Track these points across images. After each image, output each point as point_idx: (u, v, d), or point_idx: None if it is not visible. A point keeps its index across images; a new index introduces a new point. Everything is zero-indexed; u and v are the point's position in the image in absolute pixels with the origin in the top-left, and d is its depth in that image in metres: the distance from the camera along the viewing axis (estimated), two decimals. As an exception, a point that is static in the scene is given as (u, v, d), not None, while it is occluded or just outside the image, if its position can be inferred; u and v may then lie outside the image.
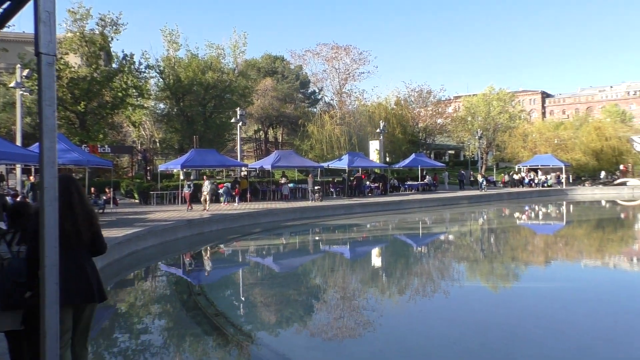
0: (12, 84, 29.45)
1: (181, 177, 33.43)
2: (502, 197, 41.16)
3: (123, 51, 38.52)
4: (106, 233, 15.60)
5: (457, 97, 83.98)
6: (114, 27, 37.05)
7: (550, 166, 49.97)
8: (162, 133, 52.82)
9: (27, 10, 3.70)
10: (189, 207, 24.32)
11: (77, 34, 36.04)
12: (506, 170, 56.85)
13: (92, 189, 24.96)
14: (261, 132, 65.94)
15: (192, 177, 40.10)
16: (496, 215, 31.97)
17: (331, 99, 68.03)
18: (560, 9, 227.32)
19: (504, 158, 65.62)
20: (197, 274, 14.09)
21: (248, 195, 30.66)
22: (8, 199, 17.70)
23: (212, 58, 44.06)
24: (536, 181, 48.83)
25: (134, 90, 38.32)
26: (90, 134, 36.10)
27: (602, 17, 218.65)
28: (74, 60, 38.00)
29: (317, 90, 69.71)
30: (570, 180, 51.82)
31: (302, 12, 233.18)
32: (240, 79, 45.39)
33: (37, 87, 3.56)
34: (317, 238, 22.17)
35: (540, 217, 30.88)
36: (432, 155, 72.18)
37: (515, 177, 49.56)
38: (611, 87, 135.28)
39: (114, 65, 39.25)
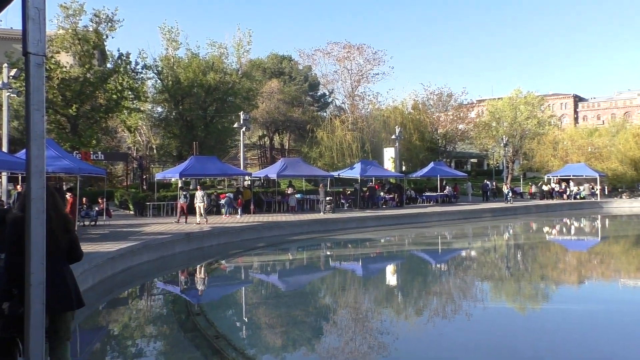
0: (-2, 85, 29.73)
1: (180, 186, 33.56)
2: (529, 210, 40.90)
3: (119, 50, 38.84)
4: (98, 247, 15.69)
5: (480, 101, 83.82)
6: (109, 24, 37.47)
7: (584, 176, 49.58)
8: (159, 139, 53.12)
9: (16, 5, 3.73)
10: (179, 219, 24.35)
11: (70, 31, 36.46)
12: (534, 181, 56.51)
13: (84, 199, 25.13)
14: (266, 138, 66.13)
15: (191, 187, 40.29)
16: (523, 229, 31.72)
17: (342, 103, 68.15)
18: (595, 5, 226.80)
19: (531, 167, 65.19)
20: (196, 292, 14.10)
21: (252, 207, 30.71)
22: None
23: (214, 58, 44.38)
24: (567, 193, 48.47)
25: (129, 93, 38.62)
26: (82, 139, 36.40)
27: None
28: (65, 59, 38.46)
29: (327, 93, 69.92)
30: (606, 192, 51.38)
31: (311, 8, 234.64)
32: (244, 81, 45.63)
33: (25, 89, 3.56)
34: (326, 254, 22.10)
35: (572, 232, 30.60)
36: (452, 164, 71.94)
37: (545, 188, 49.23)
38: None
39: (108, 65, 39.61)
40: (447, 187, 43.24)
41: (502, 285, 14.77)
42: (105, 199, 26.10)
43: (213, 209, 30.14)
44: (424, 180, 47.55)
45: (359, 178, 36.41)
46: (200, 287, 14.82)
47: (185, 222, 24.22)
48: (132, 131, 46.17)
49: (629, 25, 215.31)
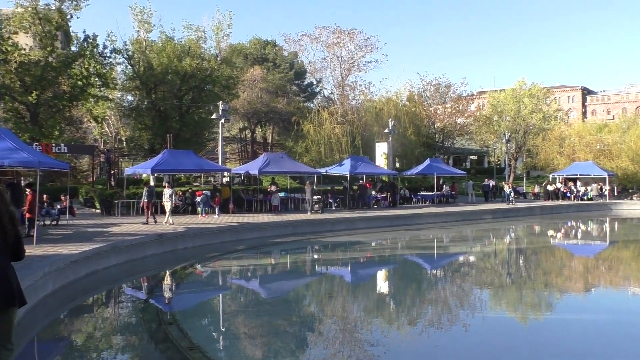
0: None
1: (151, 182, 33.37)
2: (533, 211, 41.25)
3: (84, 32, 38.37)
4: (60, 249, 15.56)
5: (481, 93, 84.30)
6: (74, 3, 37.08)
7: (591, 176, 50.06)
8: (129, 130, 52.74)
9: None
10: (148, 220, 24.11)
11: (29, 9, 36.01)
12: (538, 180, 56.98)
13: (45, 196, 24.87)
14: (247, 130, 66.01)
15: (164, 183, 40.06)
16: (526, 233, 31.97)
17: (331, 93, 68.14)
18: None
19: (535, 166, 65.74)
20: (168, 299, 14.04)
21: (231, 206, 30.64)
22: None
23: (191, 42, 44.13)
24: (574, 193, 48.93)
25: (96, 79, 38.29)
26: (44, 130, 36.03)
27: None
28: (24, 41, 37.96)
29: (314, 82, 69.98)
30: (615, 193, 51.93)
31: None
32: (224, 68, 45.43)
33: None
34: (312, 258, 22.09)
35: (579, 236, 30.92)
36: (450, 161, 72.28)
37: (549, 188, 49.65)
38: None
39: (73, 49, 39.22)
40: (445, 186, 43.46)
41: (502, 293, 14.88)
42: (68, 196, 25.87)
43: (188, 207, 30.03)
44: (419, 179, 47.72)
45: (348, 175, 36.47)
46: (173, 293, 14.76)
47: (155, 221, 24.00)
48: (99, 122, 45.80)
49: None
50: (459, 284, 15.94)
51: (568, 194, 48.96)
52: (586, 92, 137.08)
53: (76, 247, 16.00)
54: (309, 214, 30.74)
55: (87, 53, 37.49)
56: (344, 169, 37.03)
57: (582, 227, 35.33)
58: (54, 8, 36.86)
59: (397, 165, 58.43)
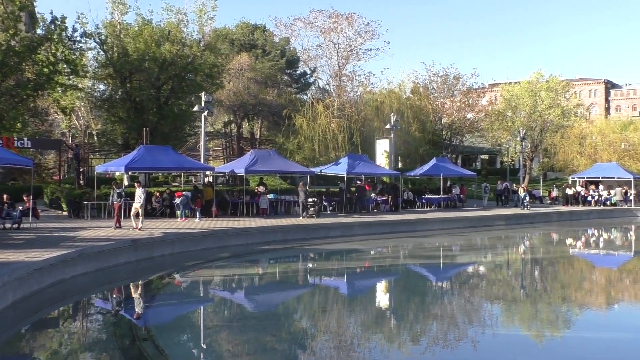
0: None
1: (125, 182, 33.28)
2: (550, 217, 41.39)
3: (52, 13, 38.14)
4: (22, 255, 15.49)
5: (493, 85, 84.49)
6: (41, -19, 36.98)
7: (615, 178, 50.21)
8: (101, 123, 52.51)
9: None
10: (118, 223, 23.88)
11: (-10, -13, 35.89)
12: (556, 183, 57.13)
13: (5, 196, 24.77)
14: (233, 125, 65.92)
15: (141, 182, 39.91)
16: (542, 241, 32.04)
17: (327, 84, 68.19)
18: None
19: (553, 167, 65.89)
20: (143, 312, 14.00)
21: (213, 209, 30.57)
22: None
23: (171, 25, 44.04)
24: (596, 198, 49.04)
25: (65, 66, 38.10)
26: (5, 122, 35.85)
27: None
28: (-16, 23, 37.82)
29: (308, 72, 69.97)
30: (642, 198, 52.09)
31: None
32: (207, 55, 45.35)
33: None
34: (304, 267, 22.07)
35: (601, 245, 30.99)
36: (458, 161, 72.39)
37: (568, 191, 49.79)
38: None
39: (38, 32, 39.03)
40: (455, 188, 43.43)
41: (515, 308, 14.91)
42: (32, 197, 25.77)
43: (166, 210, 29.97)
44: (424, 180, 47.74)
45: (345, 176, 36.44)
46: (148, 306, 14.71)
47: (119, 226, 23.67)
48: (67, 113, 45.57)
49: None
50: (467, 298, 15.96)
51: (589, 199, 49.06)
52: (610, 85, 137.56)
53: (40, 254, 15.93)
54: (301, 218, 30.72)
55: (55, 37, 37.30)
56: (340, 169, 37.00)
57: (604, 235, 35.44)
58: (17, -14, 36.68)
59: (400, 164, 58.45)
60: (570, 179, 53.45)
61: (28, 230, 22.82)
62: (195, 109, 37.17)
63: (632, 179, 49.52)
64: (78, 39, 39.02)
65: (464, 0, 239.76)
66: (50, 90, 38.93)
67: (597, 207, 47.26)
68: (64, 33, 37.84)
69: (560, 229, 37.10)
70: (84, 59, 40.88)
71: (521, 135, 54.80)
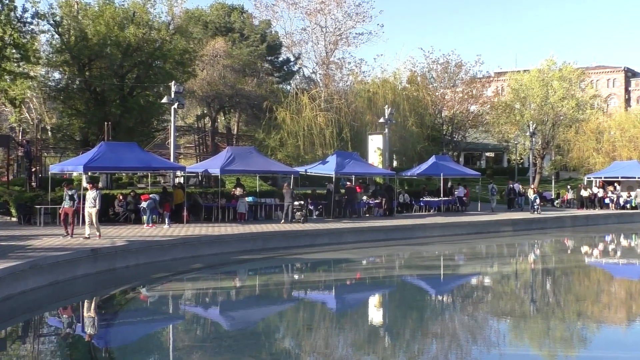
0: None
1: (84, 183, 33.00)
2: (563, 222, 41.56)
3: (-1, -10, 37.98)
4: (-35, 267, 15.32)
5: (499, 74, 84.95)
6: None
7: (636, 178, 50.40)
8: (56, 117, 52.14)
9: None
10: (68, 231, 23.54)
11: None
12: (570, 183, 57.43)
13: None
14: (207, 118, 65.68)
15: (101, 184, 39.67)
16: (554, 249, 32.19)
17: (313, 72, 68.06)
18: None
19: (567, 165, 66.26)
20: (104, 331, 13.90)
21: (185, 214, 30.46)
22: None
23: (136, 6, 43.78)
24: (614, 200, 49.24)
25: (13, 51, 37.84)
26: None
27: None
28: None
29: (292, 59, 69.86)
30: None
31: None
32: (178, 39, 45.16)
33: None
34: (287, 279, 22.02)
35: (619, 253, 31.16)
36: (461, 159, 72.64)
37: (584, 193, 50.02)
38: None
39: (-17, 12, 38.75)
40: (459, 189, 43.43)
41: (524, 325, 14.94)
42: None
43: (130, 215, 29.81)
44: (422, 181, 47.81)
45: (333, 176, 36.42)
46: (110, 324, 14.61)
47: (69, 234, 23.29)
48: (16, 105, 45.16)
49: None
50: (470, 314, 15.99)
51: (606, 201, 49.25)
52: (630, 74, 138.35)
53: (-14, 265, 15.80)
54: (283, 223, 30.67)
55: (2, 18, 37.04)
56: (328, 168, 36.98)
57: (624, 242, 35.63)
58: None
59: (395, 163, 58.52)
60: (585, 179, 53.61)
61: (-28, 238, 22.62)
62: (164, 100, 36.96)
63: (655, 179, 49.68)
64: (29, 20, 38.70)
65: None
66: (-4, 79, 38.61)
67: (615, 211, 47.46)
68: (12, 13, 37.50)
69: (574, 236, 37.30)
70: (36, 44, 40.54)
71: (531, 130, 54.98)
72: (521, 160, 67.27)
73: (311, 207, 35.69)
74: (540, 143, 60.96)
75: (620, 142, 60.67)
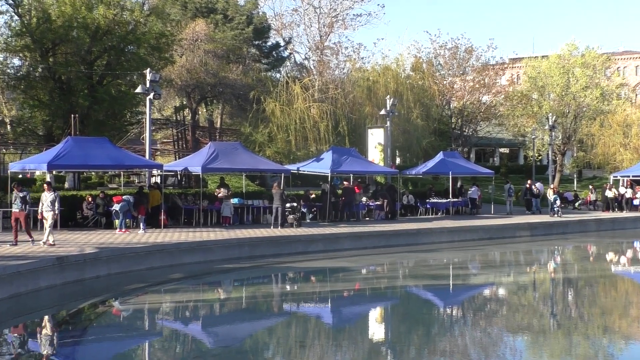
0: None
1: (49, 181, 32.93)
2: (586, 226, 41.61)
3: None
4: None
5: (515, 60, 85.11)
6: None
7: (668, 177, 50.55)
8: (16, 108, 51.98)
9: None
10: (15, 241, 23.28)
11: None
12: (594, 183, 57.54)
13: None
14: (187, 110, 65.60)
15: (67, 185, 39.59)
16: (576, 257, 32.23)
17: (306, 58, 68.10)
18: None
19: (590, 163, 66.39)
20: (70, 350, 13.86)
21: (162, 217, 30.42)
22: None
23: (106, -17, 43.79)
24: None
25: (-32, 35, 37.83)
26: None
27: None
28: None
29: (282, 43, 69.82)
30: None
31: None
32: (153, 21, 45.07)
33: None
34: (277, 291, 22.02)
35: (649, 261, 31.31)
36: (471, 155, 72.78)
37: (609, 193, 50.05)
38: None
39: None
40: (472, 188, 43.36)
41: (543, 341, 14.96)
42: None
43: (101, 219, 29.76)
44: (428, 180, 47.91)
45: (329, 175, 36.42)
46: (78, 342, 14.58)
47: (15, 242, 23.17)
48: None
49: None
50: (483, 329, 16.01)
51: (635, 202, 49.27)
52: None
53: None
54: (272, 228, 30.66)
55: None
56: (322, 166, 36.94)
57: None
58: None
59: (398, 160, 58.51)
60: (611, 178, 53.66)
61: None
62: (138, 90, 36.86)
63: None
64: (-15, 0, 38.68)
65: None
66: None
67: (644, 214, 47.58)
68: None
69: (599, 241, 37.35)
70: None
71: (550, 123, 55.06)
72: (539, 157, 67.20)
73: (304, 210, 35.71)
74: (560, 138, 61.09)
75: (650, 137, 60.73)
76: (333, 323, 17.04)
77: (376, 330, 16.78)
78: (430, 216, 40.64)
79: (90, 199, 30.46)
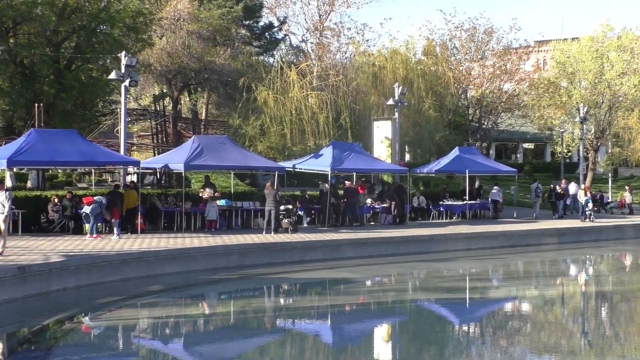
0: None
1: (8, 180, 32.91)
2: (622, 232, 41.54)
3: None
4: None
5: (541, 43, 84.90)
6: None
7: None
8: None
9: None
10: None
11: None
12: (631, 183, 57.49)
13: None
14: (167, 99, 65.57)
15: (29, 184, 39.52)
16: (611, 268, 32.20)
17: (303, 40, 68.03)
18: None
19: (627, 160, 66.30)
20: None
21: (139, 221, 30.39)
22: None
23: (75, -46, 43.73)
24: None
25: None
26: None
27: None
28: None
29: (276, 23, 69.77)
30: None
31: None
32: (129, -3, 45.16)
33: None
34: (270, 305, 21.99)
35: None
36: (491, 152, 72.73)
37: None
38: None
39: None
40: (494, 188, 43.26)
41: (574, 363, 14.96)
42: None
43: (68, 223, 29.73)
44: (442, 179, 47.88)
45: (329, 173, 36.41)
46: (42, 363, 14.58)
47: None
48: None
49: None
50: (504, 349, 15.99)
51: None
52: None
53: None
54: (265, 233, 30.64)
55: None
56: (322, 163, 36.92)
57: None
58: None
59: (408, 157, 58.49)
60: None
61: None
62: (112, 76, 36.81)
63: None
64: None
65: None
66: None
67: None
68: None
69: (637, 250, 37.31)
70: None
71: (581, 115, 54.93)
72: (568, 154, 67.26)
73: (301, 213, 35.70)
74: (593, 131, 60.98)
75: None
76: (333, 343, 17.02)
77: (382, 351, 16.73)
78: (444, 220, 40.64)
79: (56, 200, 30.40)
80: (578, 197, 43.66)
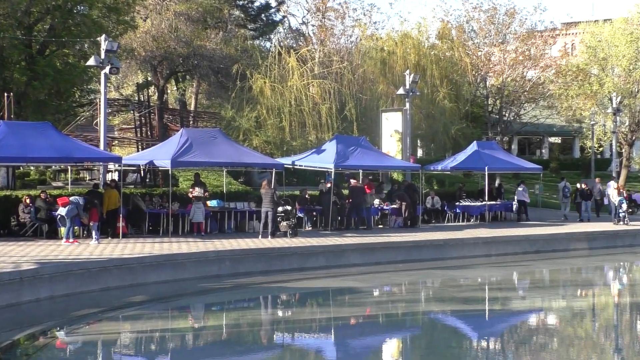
0: None
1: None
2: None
3: None
4: None
5: (569, 26, 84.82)
6: None
7: None
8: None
9: None
10: None
11: None
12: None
13: None
14: (152, 88, 65.61)
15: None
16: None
17: (303, 22, 68.03)
18: None
19: (665, 156, 66.30)
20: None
21: (121, 224, 30.40)
22: None
23: None
24: None
25: None
26: None
27: None
28: None
29: (273, 4, 69.78)
30: None
31: None
32: (110, -26, 45.16)
33: None
34: (267, 318, 22.01)
35: None
36: (513, 146, 72.63)
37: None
38: None
39: None
40: (520, 187, 43.20)
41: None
42: None
43: (42, 226, 29.76)
44: (458, 177, 47.85)
45: (332, 170, 36.42)
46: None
47: None
48: None
49: None
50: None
51: None
52: None
53: None
54: (261, 237, 30.65)
55: None
56: (324, 160, 36.92)
57: None
58: None
59: (420, 152, 58.54)
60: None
61: None
62: (91, 62, 36.87)
63: None
64: None
65: None
66: None
67: None
68: None
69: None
70: None
71: (614, 106, 54.95)
72: (600, 149, 67.22)
73: (301, 215, 35.71)
74: (627, 124, 60.93)
75: None
76: (337, 358, 17.01)
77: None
78: (460, 223, 40.63)
79: (28, 201, 30.40)
80: (611, 197, 43.50)
